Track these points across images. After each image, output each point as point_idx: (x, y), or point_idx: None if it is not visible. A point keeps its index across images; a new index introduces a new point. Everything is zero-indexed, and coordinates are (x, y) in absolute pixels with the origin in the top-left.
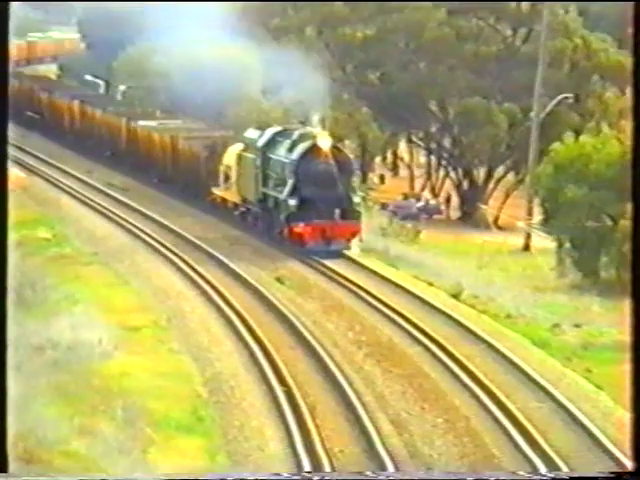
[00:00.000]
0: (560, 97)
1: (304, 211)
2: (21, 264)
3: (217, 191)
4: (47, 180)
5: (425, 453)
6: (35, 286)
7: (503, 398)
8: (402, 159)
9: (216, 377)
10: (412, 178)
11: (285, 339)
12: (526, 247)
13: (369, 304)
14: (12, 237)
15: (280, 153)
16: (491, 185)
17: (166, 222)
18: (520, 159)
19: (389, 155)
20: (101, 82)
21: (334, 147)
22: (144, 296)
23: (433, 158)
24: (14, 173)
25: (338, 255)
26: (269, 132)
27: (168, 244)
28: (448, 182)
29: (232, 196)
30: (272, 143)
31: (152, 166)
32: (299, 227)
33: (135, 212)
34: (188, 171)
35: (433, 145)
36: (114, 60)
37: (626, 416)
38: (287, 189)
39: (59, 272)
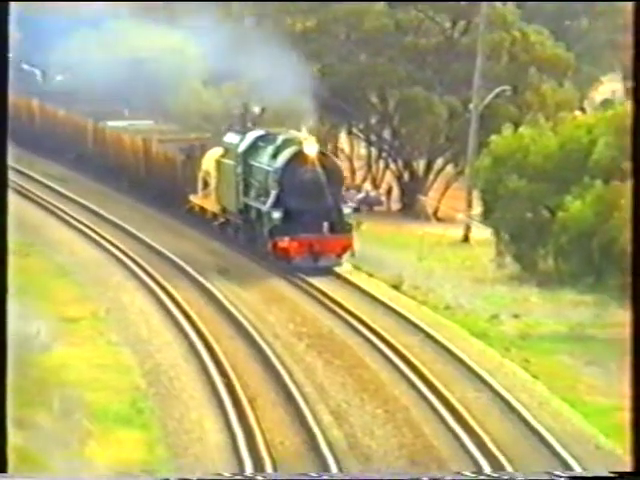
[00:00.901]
0: (498, 89)
1: (289, 224)
2: None
3: (195, 199)
4: None
5: (365, 444)
6: None
7: (442, 388)
8: (342, 151)
9: (155, 369)
10: (353, 170)
11: (225, 330)
12: (465, 238)
13: (310, 295)
14: None
15: (262, 160)
16: (431, 177)
17: (102, 212)
18: (459, 151)
19: (329, 147)
20: (38, 71)
21: (321, 153)
22: (83, 287)
23: (373, 150)
24: None
25: (327, 272)
26: (250, 136)
27: (107, 235)
28: (389, 174)
29: (211, 205)
30: (254, 149)
31: (123, 170)
32: (284, 242)
33: (73, 202)
34: (163, 176)
35: (373, 137)
36: (51, 49)
37: (562, 405)
38: (270, 200)
39: None
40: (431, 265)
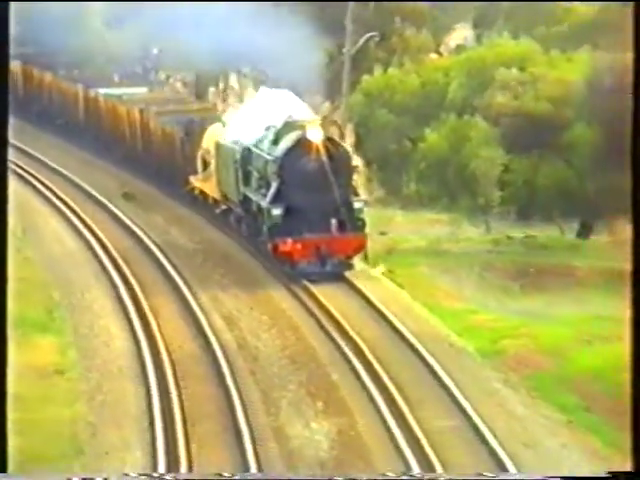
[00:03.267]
0: (368, 35)
1: (292, 222)
2: None
3: (195, 181)
4: None
5: (252, 345)
6: None
7: (321, 297)
8: (233, 89)
9: (68, 283)
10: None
11: (133, 251)
12: None
13: (208, 218)
14: None
15: (263, 146)
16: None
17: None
18: (335, 90)
19: (221, 85)
20: None
21: (327, 139)
22: None
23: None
24: None
25: (337, 279)
26: None
27: (28, 167)
28: None
29: (211, 190)
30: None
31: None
32: (286, 244)
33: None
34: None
35: (262, 77)
36: None
37: (422, 310)
38: (270, 194)
39: None
40: None
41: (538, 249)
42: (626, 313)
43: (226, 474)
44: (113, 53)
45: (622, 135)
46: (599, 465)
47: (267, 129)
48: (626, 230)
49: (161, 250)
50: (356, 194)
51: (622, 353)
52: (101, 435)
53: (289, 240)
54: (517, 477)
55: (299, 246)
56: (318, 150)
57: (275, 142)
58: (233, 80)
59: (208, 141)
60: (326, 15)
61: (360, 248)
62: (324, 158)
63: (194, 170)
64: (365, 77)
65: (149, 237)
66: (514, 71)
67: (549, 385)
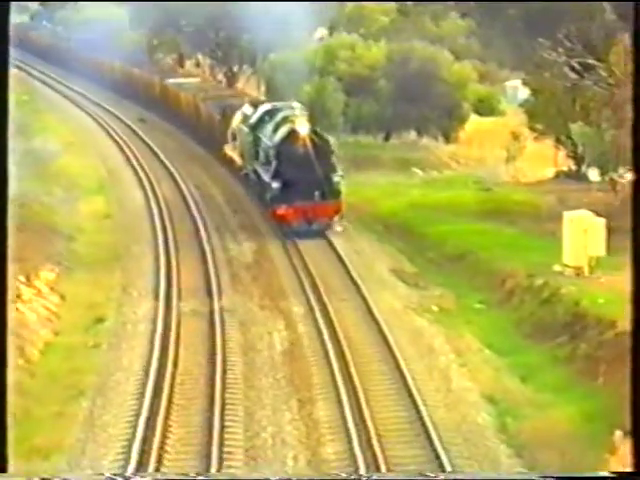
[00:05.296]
0: None
1: (286, 193)
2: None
3: (227, 149)
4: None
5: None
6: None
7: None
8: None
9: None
10: None
11: (175, 192)
12: None
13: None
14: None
15: (266, 134)
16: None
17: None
18: None
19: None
20: None
21: (312, 131)
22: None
23: None
24: None
25: (319, 235)
26: (260, 110)
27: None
28: None
29: (237, 158)
30: (261, 122)
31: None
32: (282, 209)
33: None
34: (207, 128)
35: None
36: None
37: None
38: (271, 171)
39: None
40: None
41: (361, 148)
42: None
43: (191, 474)
44: None
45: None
46: None
47: (270, 119)
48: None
49: (194, 199)
50: (334, 171)
51: None
52: None
53: (284, 206)
54: (515, 477)
55: (291, 211)
56: (304, 140)
57: (274, 131)
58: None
59: (235, 122)
60: None
61: (338, 212)
62: (309, 145)
63: (227, 141)
64: None
65: (187, 185)
66: (348, 52)
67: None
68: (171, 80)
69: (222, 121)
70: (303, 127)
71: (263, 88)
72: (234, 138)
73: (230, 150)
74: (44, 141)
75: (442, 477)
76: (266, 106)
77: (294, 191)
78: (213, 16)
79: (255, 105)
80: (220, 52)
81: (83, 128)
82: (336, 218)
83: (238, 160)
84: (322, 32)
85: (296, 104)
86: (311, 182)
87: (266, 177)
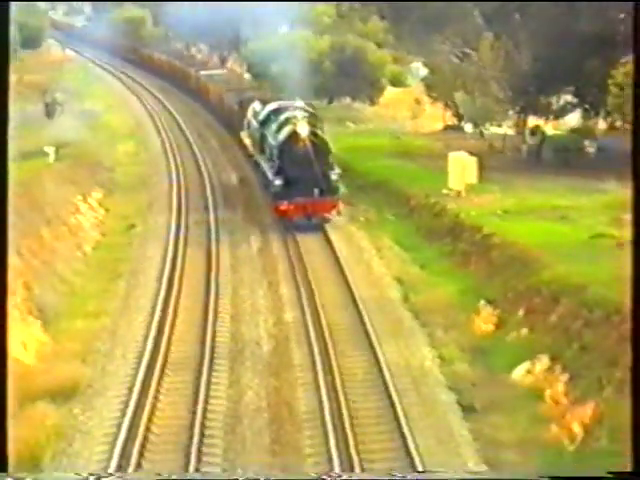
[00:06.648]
0: None
1: (288, 190)
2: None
3: (243, 136)
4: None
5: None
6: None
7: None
8: None
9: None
10: None
11: (193, 169)
12: None
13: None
14: None
15: (271, 133)
16: None
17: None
18: None
19: None
20: None
21: (312, 133)
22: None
23: None
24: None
25: (318, 229)
26: (267, 109)
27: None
28: None
29: (250, 145)
30: (267, 121)
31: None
32: (284, 205)
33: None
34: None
35: None
36: None
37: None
38: (274, 170)
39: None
40: None
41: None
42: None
43: (165, 474)
44: None
45: None
46: None
47: (274, 119)
48: (347, 99)
49: (211, 181)
50: (332, 169)
51: None
52: None
53: (285, 202)
54: (515, 477)
55: (292, 207)
56: (304, 140)
57: (278, 132)
58: None
59: (249, 114)
60: None
61: (335, 207)
62: (309, 145)
63: (243, 128)
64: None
65: (205, 164)
66: (304, 42)
67: None
68: (203, 72)
69: (239, 111)
70: (304, 129)
71: (245, 67)
72: (249, 127)
73: (245, 137)
74: (93, 104)
75: (443, 476)
76: (272, 105)
77: (295, 188)
78: (213, 16)
79: (264, 102)
80: (214, 41)
81: (124, 97)
82: (333, 212)
83: (250, 147)
84: (285, 28)
85: (299, 103)
86: (311, 180)
87: (269, 174)
